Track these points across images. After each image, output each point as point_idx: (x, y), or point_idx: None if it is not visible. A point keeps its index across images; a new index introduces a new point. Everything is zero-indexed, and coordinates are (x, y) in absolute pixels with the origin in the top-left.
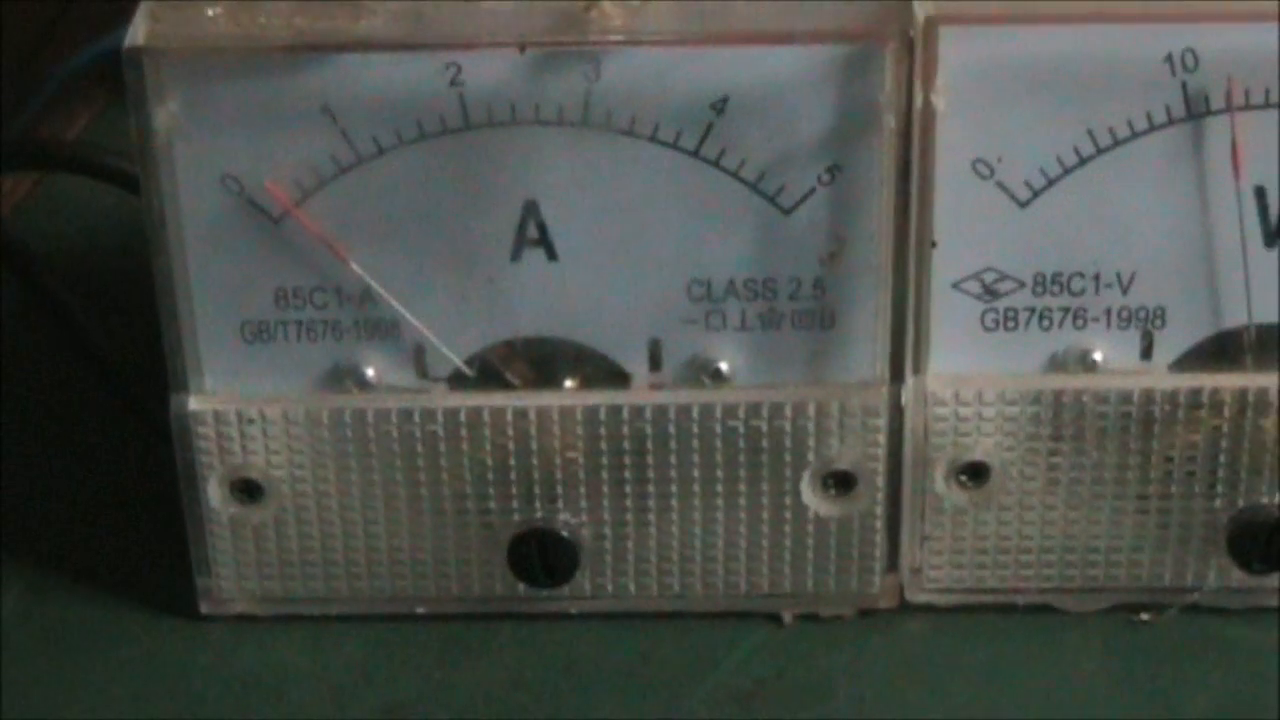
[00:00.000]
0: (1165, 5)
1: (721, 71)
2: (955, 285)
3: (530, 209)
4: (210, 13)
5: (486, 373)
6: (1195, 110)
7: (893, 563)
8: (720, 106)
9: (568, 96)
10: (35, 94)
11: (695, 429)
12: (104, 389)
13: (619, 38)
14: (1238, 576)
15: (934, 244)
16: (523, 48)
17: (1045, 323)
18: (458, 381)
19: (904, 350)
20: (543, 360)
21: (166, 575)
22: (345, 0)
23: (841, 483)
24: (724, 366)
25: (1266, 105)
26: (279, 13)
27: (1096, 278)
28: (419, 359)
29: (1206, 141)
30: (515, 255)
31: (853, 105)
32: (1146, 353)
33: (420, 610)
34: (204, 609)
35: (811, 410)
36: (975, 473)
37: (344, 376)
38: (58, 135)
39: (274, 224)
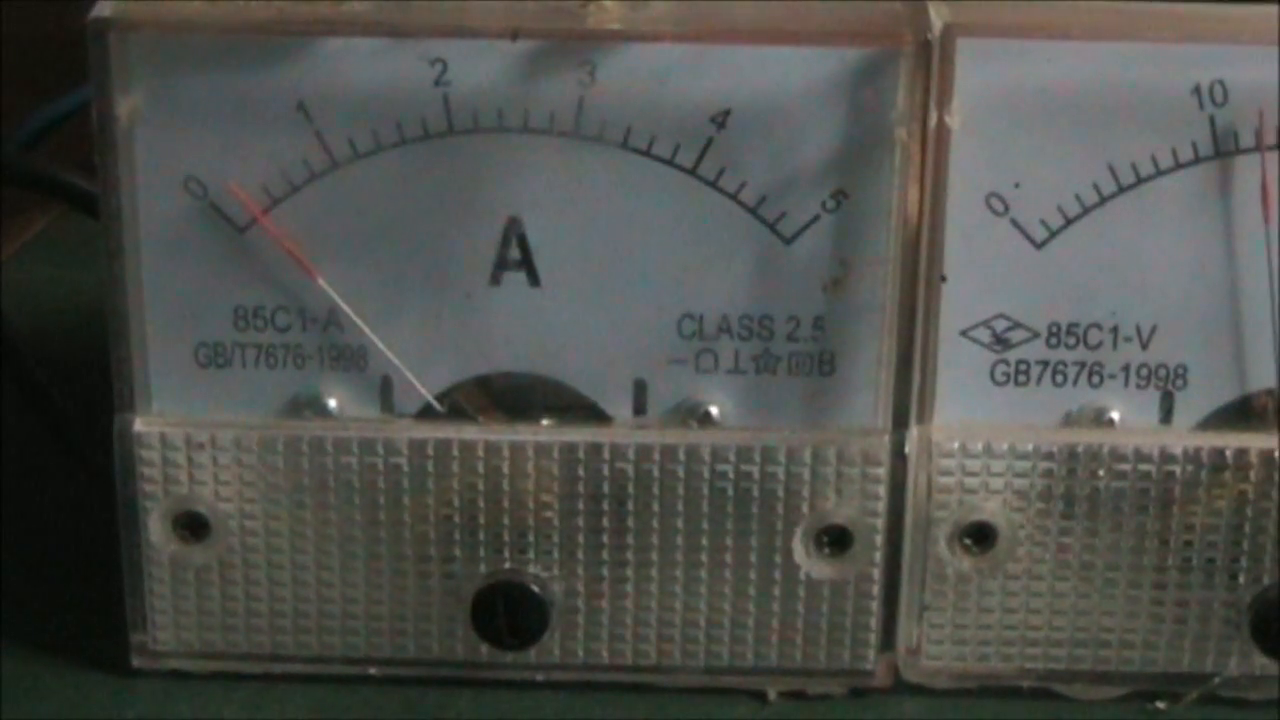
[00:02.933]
0: (1198, 22)
1: (723, 79)
2: (964, 333)
3: (513, 226)
4: None
5: (457, 411)
6: (1224, 148)
7: (889, 636)
8: (721, 120)
9: (560, 101)
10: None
11: (681, 473)
12: (36, 419)
13: (617, 27)
14: (1261, 663)
15: (944, 279)
16: (514, 35)
17: (1059, 378)
18: (426, 417)
19: (908, 398)
20: (518, 399)
21: (96, 625)
22: None
23: (837, 541)
24: (714, 411)
25: None
26: None
27: (1114, 330)
28: (385, 392)
29: (1235, 182)
30: (495, 278)
31: (862, 121)
32: (1166, 415)
33: (373, 672)
34: (136, 663)
35: (807, 456)
36: (981, 535)
37: (304, 408)
38: None
39: (238, 233)
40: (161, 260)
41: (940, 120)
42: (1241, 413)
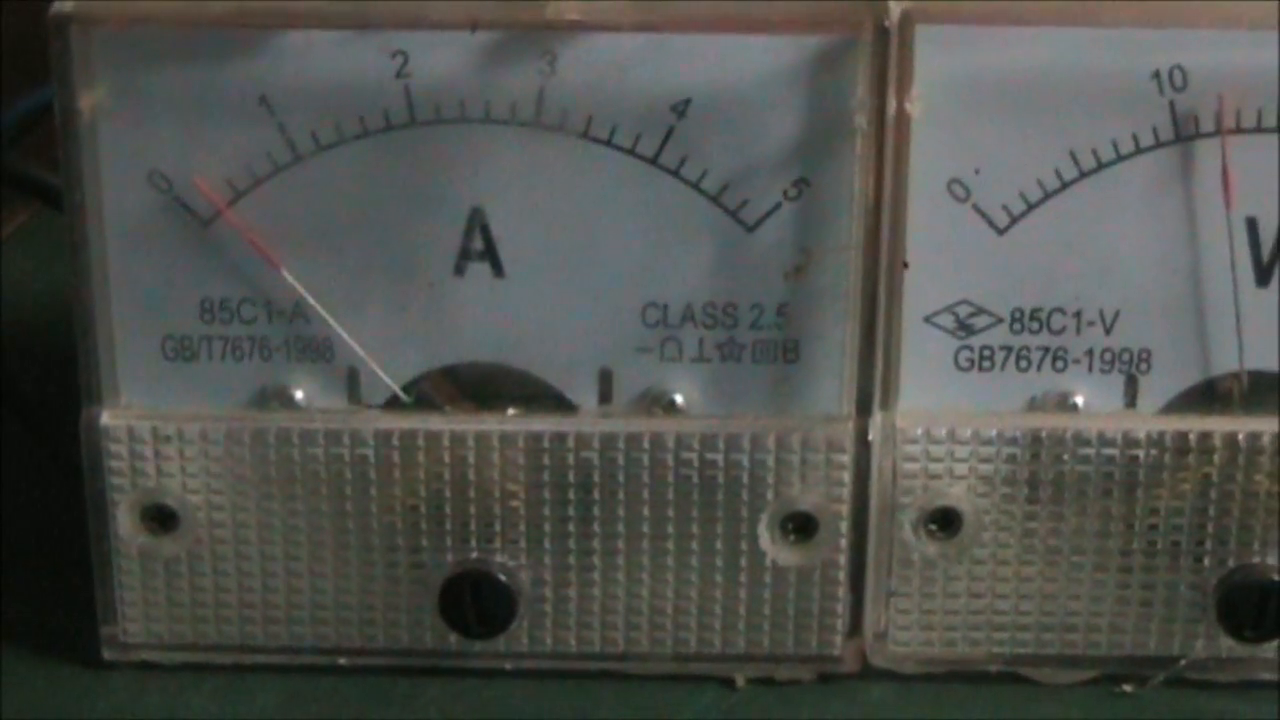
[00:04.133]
0: (1156, 8)
1: (684, 68)
2: (928, 319)
3: (476, 217)
4: None
5: (424, 401)
6: (1184, 132)
7: (856, 621)
8: (682, 109)
9: (521, 91)
10: None
11: (646, 461)
12: (6, 411)
13: (576, 18)
14: (1228, 645)
15: (906, 265)
16: (474, 27)
17: (1023, 363)
18: (393, 407)
19: (873, 385)
20: (484, 389)
21: (67, 618)
22: None
23: (802, 527)
24: (679, 399)
25: (1260, 129)
26: None
27: (1078, 315)
28: (352, 383)
29: (1196, 167)
30: (459, 269)
31: (822, 107)
32: (1131, 399)
33: (342, 661)
34: (107, 655)
35: (771, 443)
36: (946, 521)
37: (271, 399)
38: None
39: (203, 226)
40: (127, 254)
41: (900, 108)
42: (1206, 396)
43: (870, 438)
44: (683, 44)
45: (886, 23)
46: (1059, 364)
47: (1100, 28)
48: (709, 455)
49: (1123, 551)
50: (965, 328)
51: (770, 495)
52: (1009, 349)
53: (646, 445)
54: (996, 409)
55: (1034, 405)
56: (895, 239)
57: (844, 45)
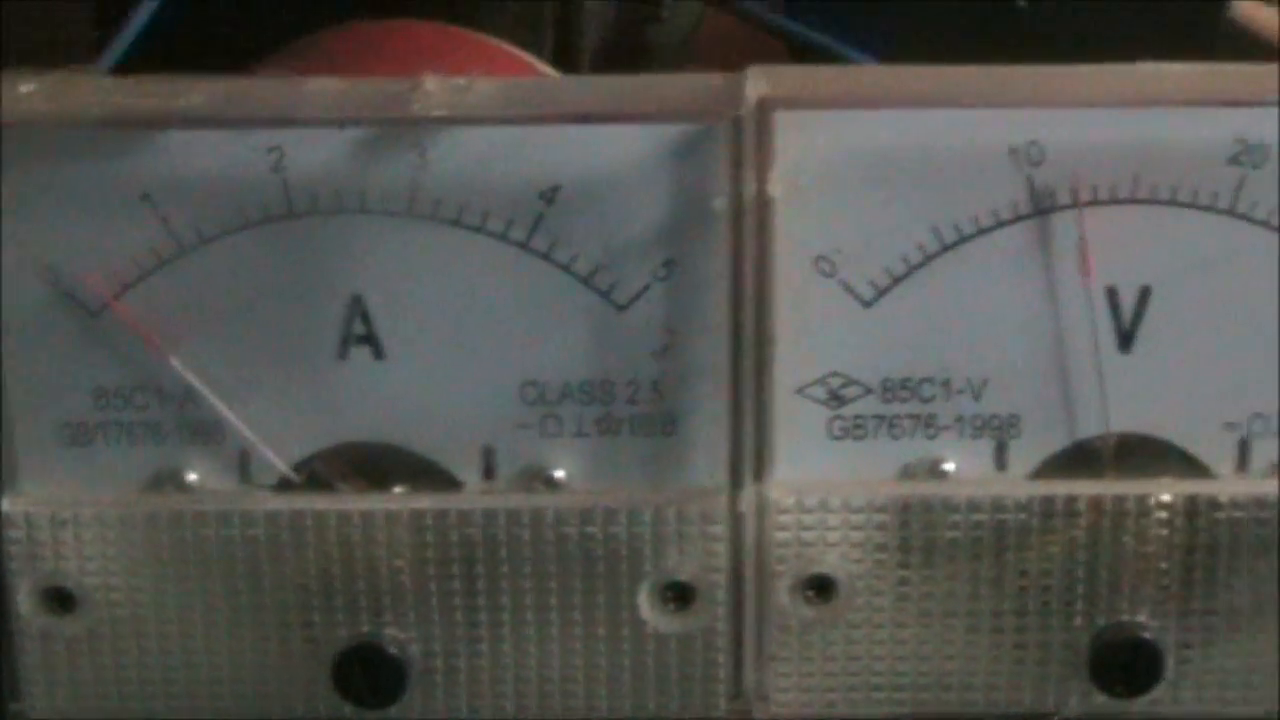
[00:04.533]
0: (1012, 86)
1: (551, 156)
2: (800, 391)
3: (356, 303)
4: (24, 89)
5: (316, 480)
6: (1042, 206)
7: (738, 685)
8: (550, 196)
9: (394, 182)
10: None
11: (527, 536)
12: None
13: (441, 112)
14: (1101, 701)
15: (773, 341)
16: (342, 124)
17: (895, 431)
18: (285, 487)
19: (746, 457)
20: (377, 467)
21: None
22: (166, 78)
23: (681, 596)
24: (560, 474)
25: (1114, 200)
26: (98, 90)
27: (947, 383)
28: (244, 464)
29: (1055, 239)
30: (342, 353)
31: (686, 193)
32: (1001, 463)
33: None
34: None
35: (647, 516)
36: (821, 587)
37: (165, 482)
38: None
39: (92, 317)
40: (21, 345)
41: (761, 190)
42: (1076, 458)
43: (741, 509)
44: (548, 134)
45: (741, 112)
46: (930, 431)
47: (957, 108)
48: (587, 529)
49: (995, 613)
50: (837, 398)
51: (648, 566)
52: (881, 418)
53: (526, 521)
54: (872, 476)
55: (907, 471)
56: (761, 318)
57: (704, 133)
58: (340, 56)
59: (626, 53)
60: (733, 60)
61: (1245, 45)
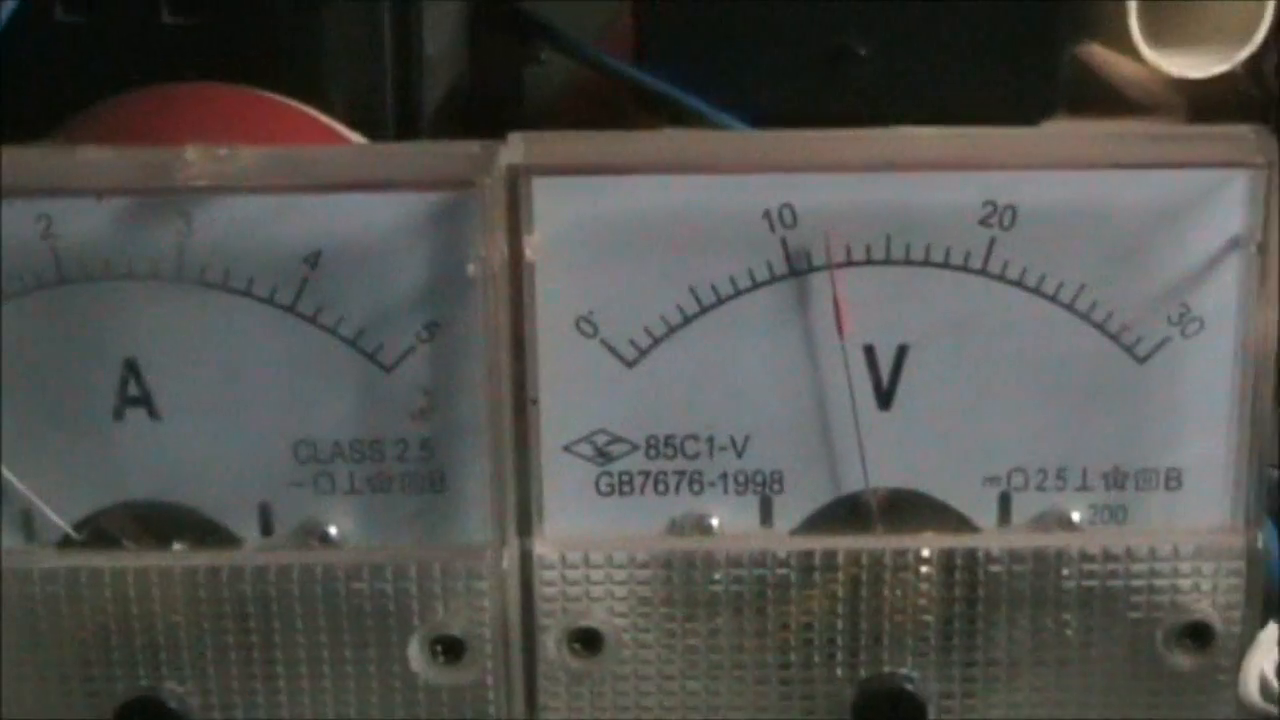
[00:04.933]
0: (764, 151)
1: (312, 222)
2: (567, 448)
3: (130, 366)
4: None
5: (103, 538)
6: (798, 267)
7: None
8: (313, 260)
9: (161, 249)
10: None
11: (298, 591)
12: None
13: (204, 184)
14: None
15: (534, 401)
16: (100, 195)
17: (661, 487)
18: (69, 545)
19: (515, 512)
20: (157, 526)
21: None
22: None
23: (451, 649)
24: (333, 530)
25: (869, 261)
26: None
27: (710, 440)
28: (27, 523)
29: (812, 300)
30: (118, 414)
31: (445, 258)
32: (766, 518)
33: None
34: None
35: (414, 572)
36: (588, 640)
37: None
38: None
39: None
40: None
41: (517, 254)
42: (844, 514)
43: (504, 565)
44: (310, 201)
45: (486, 181)
46: (695, 487)
47: (711, 174)
48: (355, 585)
49: (760, 664)
50: (604, 455)
51: (416, 620)
52: (647, 474)
53: (296, 577)
54: (640, 531)
55: (674, 526)
56: (523, 378)
57: (458, 200)
58: (134, 121)
59: (501, 95)
60: (592, 110)
61: (1098, 92)
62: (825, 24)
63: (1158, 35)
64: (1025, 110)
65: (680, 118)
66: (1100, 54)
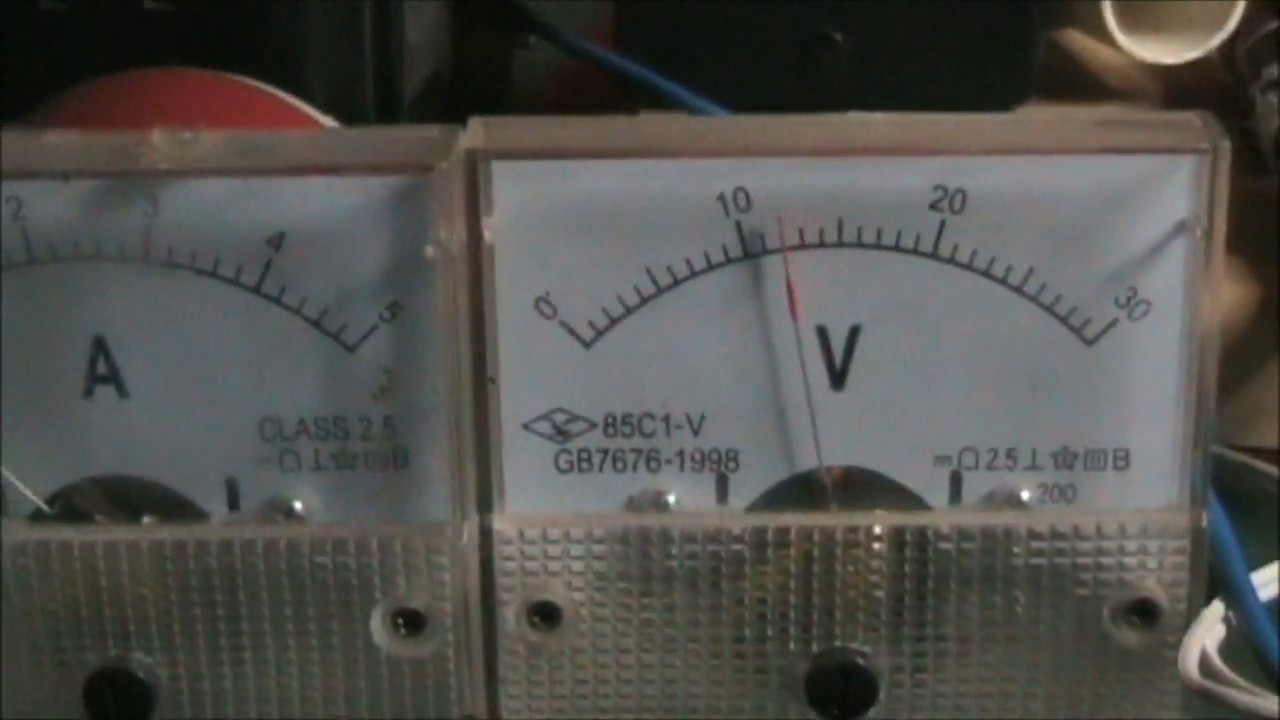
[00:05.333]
0: (718, 136)
1: (276, 205)
2: (526, 426)
3: (99, 345)
4: None
5: (74, 512)
6: (752, 250)
7: (471, 706)
8: (277, 242)
9: (128, 231)
10: None
11: (263, 565)
12: None
13: (168, 167)
14: None
15: (493, 380)
16: (66, 177)
17: (619, 465)
18: (40, 519)
19: (474, 490)
20: (128, 500)
21: None
22: None
23: (412, 622)
24: (298, 506)
25: (822, 244)
26: None
27: (667, 419)
28: (1, 498)
29: (765, 282)
30: (88, 391)
31: (406, 240)
32: (722, 496)
33: None
34: None
35: (375, 547)
36: (547, 614)
37: None
38: None
39: None
40: None
41: (476, 236)
42: (800, 491)
43: (464, 541)
44: (273, 184)
45: (444, 165)
46: (653, 465)
47: (666, 158)
48: (318, 559)
49: (714, 639)
50: (562, 433)
51: (379, 594)
52: (605, 451)
53: (261, 551)
54: (599, 508)
55: (632, 503)
56: (483, 357)
57: (417, 184)
58: (104, 105)
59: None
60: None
61: (1075, 78)
62: (803, 11)
63: (1133, 22)
64: (1000, 96)
65: (660, 104)
66: (1078, 40)
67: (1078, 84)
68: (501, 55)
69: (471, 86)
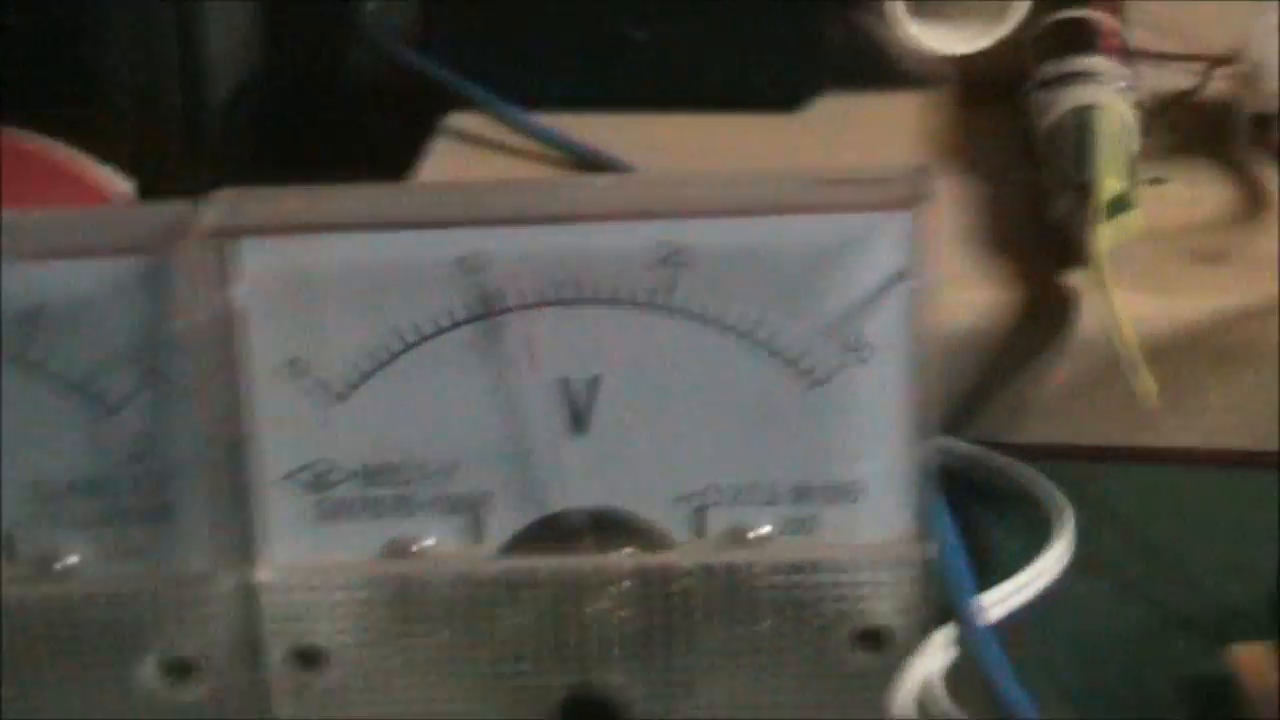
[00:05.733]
0: (452, 205)
1: (33, 282)
2: (287, 477)
3: None
4: None
5: None
6: (493, 308)
7: None
8: (36, 315)
9: None
10: None
11: (36, 619)
12: None
13: None
14: None
15: (249, 438)
16: None
17: (377, 511)
18: None
19: (239, 541)
20: None
21: None
22: None
23: (184, 670)
24: (74, 560)
25: (559, 301)
26: None
27: (421, 467)
28: None
29: (506, 337)
30: None
31: (155, 313)
32: (477, 538)
33: None
34: None
35: (146, 599)
36: (313, 657)
37: None
38: None
39: None
40: None
41: (226, 306)
42: (552, 532)
43: (228, 590)
44: (30, 265)
45: (184, 244)
46: (409, 510)
47: (404, 229)
48: (90, 612)
49: (474, 674)
50: (321, 483)
51: (151, 643)
52: (364, 500)
53: (34, 605)
54: (359, 553)
55: (392, 547)
56: (237, 417)
57: (162, 262)
58: None
59: (314, 79)
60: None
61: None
62: (603, 11)
63: (926, 10)
64: (792, 91)
65: (462, 104)
66: (878, 27)
67: (874, 71)
68: (317, 62)
69: (288, 94)
